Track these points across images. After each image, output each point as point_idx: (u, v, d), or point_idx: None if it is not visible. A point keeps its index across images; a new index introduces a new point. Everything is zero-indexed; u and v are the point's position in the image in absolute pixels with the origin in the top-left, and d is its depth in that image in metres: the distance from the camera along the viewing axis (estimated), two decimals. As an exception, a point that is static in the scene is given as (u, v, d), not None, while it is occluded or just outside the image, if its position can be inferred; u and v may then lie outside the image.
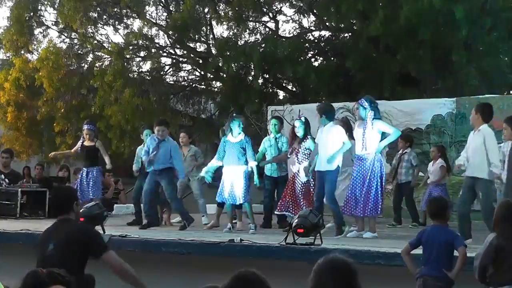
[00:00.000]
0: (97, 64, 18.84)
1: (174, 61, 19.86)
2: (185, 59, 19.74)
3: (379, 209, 8.91)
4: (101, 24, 19.16)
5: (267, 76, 19.00)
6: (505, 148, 8.69)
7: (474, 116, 8.40)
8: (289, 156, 10.25)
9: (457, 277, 5.68)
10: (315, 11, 18.53)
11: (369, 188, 8.75)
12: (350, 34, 18.34)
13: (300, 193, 9.68)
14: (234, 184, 9.66)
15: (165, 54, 19.68)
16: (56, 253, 5.22)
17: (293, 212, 9.53)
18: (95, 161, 11.34)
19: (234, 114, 10.56)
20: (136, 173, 11.41)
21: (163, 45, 19.49)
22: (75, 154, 12.27)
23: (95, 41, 18.99)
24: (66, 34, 19.32)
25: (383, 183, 8.97)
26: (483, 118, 8.31)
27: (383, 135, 9.00)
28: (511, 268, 5.20)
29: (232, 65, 17.73)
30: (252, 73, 18.42)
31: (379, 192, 8.80)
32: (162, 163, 10.25)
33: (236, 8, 17.93)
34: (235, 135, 9.77)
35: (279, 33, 19.00)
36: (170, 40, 19.28)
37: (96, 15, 18.82)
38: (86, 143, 11.39)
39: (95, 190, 11.19)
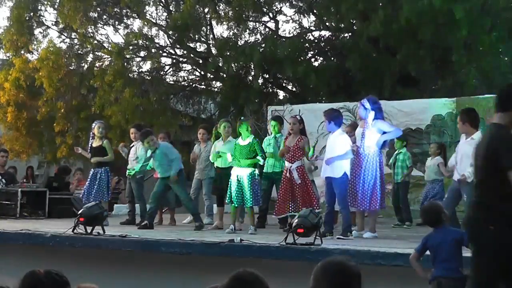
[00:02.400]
0: (97, 64, 18.86)
1: (174, 61, 19.87)
2: (185, 59, 19.75)
3: (378, 205, 8.83)
4: (101, 24, 19.18)
5: (267, 76, 19.01)
6: None
7: (463, 126, 8.37)
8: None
9: None
10: (315, 11, 18.54)
11: (364, 181, 8.71)
12: (350, 34, 18.34)
13: (298, 194, 9.60)
14: (242, 186, 9.59)
15: (165, 54, 19.68)
16: None
17: (295, 211, 9.48)
18: (102, 162, 11.00)
19: (241, 118, 10.55)
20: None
21: (163, 45, 19.51)
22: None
23: (95, 41, 19.00)
24: (66, 34, 19.34)
25: (383, 179, 8.88)
26: (474, 125, 8.30)
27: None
28: None
29: (232, 65, 17.74)
30: (252, 73, 18.43)
31: (377, 186, 8.73)
32: (166, 171, 10.25)
33: (236, 8, 17.94)
34: (244, 138, 9.76)
35: (279, 33, 19.01)
36: (170, 40, 19.29)
37: (96, 15, 18.84)
38: (94, 144, 11.07)
39: (99, 193, 10.79)
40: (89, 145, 11.19)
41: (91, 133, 11.21)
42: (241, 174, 9.57)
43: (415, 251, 5.87)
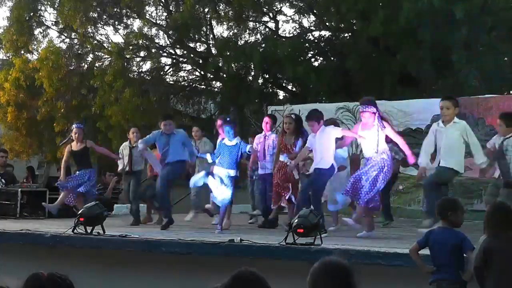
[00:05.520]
0: (97, 64, 18.84)
1: (174, 61, 19.87)
2: (185, 59, 19.75)
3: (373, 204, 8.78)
4: (101, 24, 19.17)
5: (267, 76, 19.01)
6: (493, 143, 8.74)
7: (454, 111, 8.48)
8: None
9: (471, 279, 5.56)
10: (315, 11, 18.54)
11: (374, 180, 8.63)
12: (350, 34, 18.35)
13: (292, 187, 9.75)
14: (219, 186, 9.66)
15: (165, 54, 19.68)
16: None
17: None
18: (88, 163, 10.99)
19: (227, 119, 10.58)
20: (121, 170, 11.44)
21: (163, 45, 19.50)
22: (68, 162, 11.45)
23: (95, 41, 19.00)
24: (66, 34, 19.33)
25: (384, 182, 8.82)
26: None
27: None
28: (498, 269, 5.14)
29: (232, 65, 17.75)
30: (252, 73, 18.44)
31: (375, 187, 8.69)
32: (173, 157, 10.25)
33: (236, 8, 17.94)
34: (230, 138, 9.77)
35: (279, 33, 19.01)
36: (170, 40, 19.29)
37: (96, 15, 18.83)
38: (75, 147, 10.93)
39: (89, 192, 10.85)
40: (70, 150, 11.11)
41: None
42: (222, 176, 9.62)
43: (416, 243, 5.83)
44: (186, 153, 10.48)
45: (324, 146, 9.04)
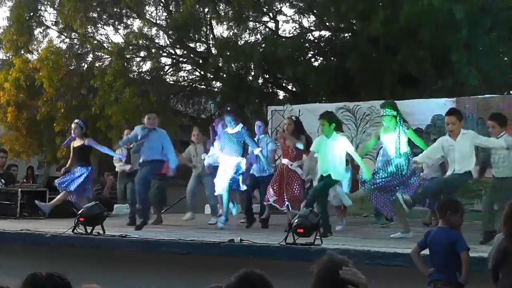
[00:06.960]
0: (97, 64, 18.85)
1: (174, 61, 19.87)
2: (185, 59, 19.75)
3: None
4: (101, 24, 19.18)
5: (267, 76, 19.02)
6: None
7: (459, 125, 8.25)
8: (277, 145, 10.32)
9: (467, 281, 5.56)
10: (315, 11, 18.54)
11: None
12: (350, 34, 18.34)
13: (286, 186, 9.78)
14: (224, 172, 9.71)
15: (165, 54, 19.68)
16: None
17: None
18: (86, 161, 10.83)
19: (228, 108, 10.63)
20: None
21: (163, 45, 19.51)
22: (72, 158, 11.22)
23: (95, 41, 19.00)
24: (66, 34, 19.34)
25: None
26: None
27: None
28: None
29: (232, 65, 17.75)
30: (252, 73, 18.44)
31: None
32: (150, 154, 10.12)
33: (236, 8, 17.94)
34: (232, 126, 9.84)
35: (279, 33, 19.01)
36: (170, 40, 19.29)
37: (96, 15, 18.84)
38: (75, 143, 10.82)
39: (84, 189, 10.74)
40: (72, 147, 11.01)
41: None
42: (227, 163, 9.66)
43: (417, 245, 5.86)
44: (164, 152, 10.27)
45: (336, 156, 8.98)
